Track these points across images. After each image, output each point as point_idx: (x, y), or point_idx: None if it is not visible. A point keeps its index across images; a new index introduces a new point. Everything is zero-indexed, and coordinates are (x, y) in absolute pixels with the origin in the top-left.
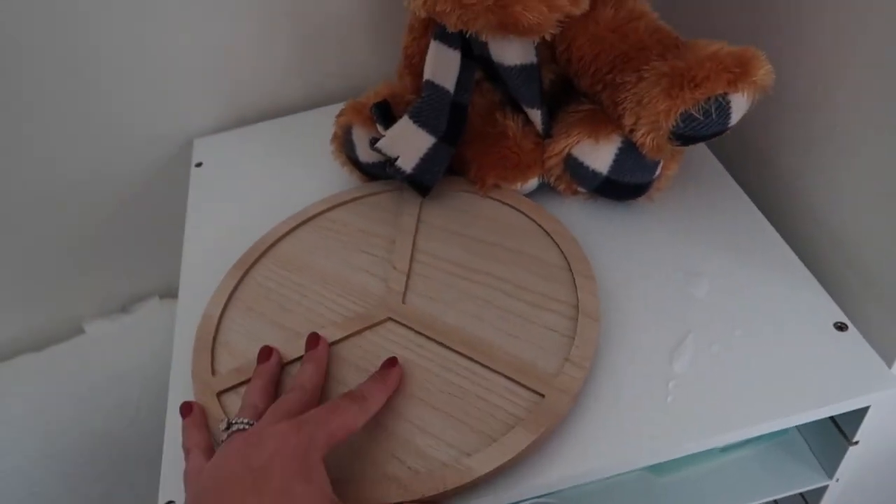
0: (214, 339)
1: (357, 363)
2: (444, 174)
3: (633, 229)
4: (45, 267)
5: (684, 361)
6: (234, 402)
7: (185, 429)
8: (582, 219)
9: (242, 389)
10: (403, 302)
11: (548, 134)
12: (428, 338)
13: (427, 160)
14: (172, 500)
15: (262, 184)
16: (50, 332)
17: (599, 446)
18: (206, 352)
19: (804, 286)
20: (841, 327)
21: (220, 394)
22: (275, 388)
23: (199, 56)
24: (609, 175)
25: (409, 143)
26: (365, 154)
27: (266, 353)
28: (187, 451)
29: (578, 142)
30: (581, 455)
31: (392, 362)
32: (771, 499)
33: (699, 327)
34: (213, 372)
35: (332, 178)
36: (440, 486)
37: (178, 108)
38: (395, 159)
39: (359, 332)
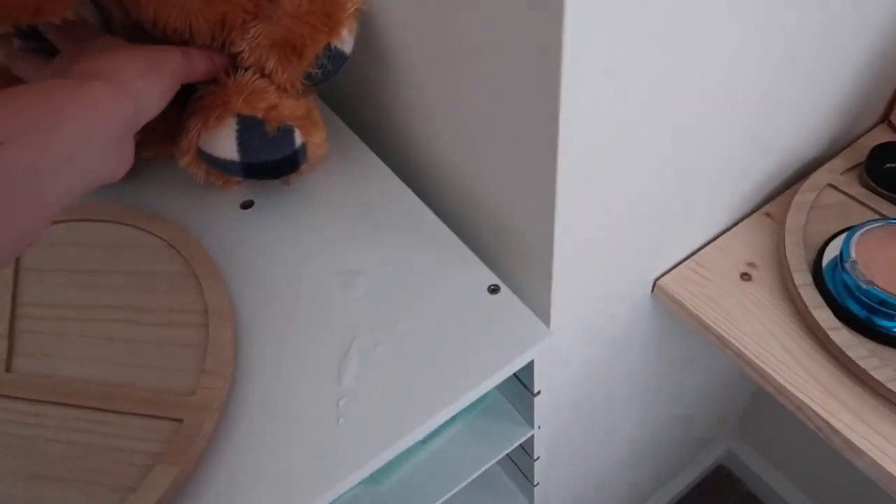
0: None
1: None
2: None
3: (282, 236)
4: None
5: (352, 374)
6: None
7: None
8: (223, 229)
9: None
10: (8, 370)
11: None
12: (43, 402)
13: None
14: None
15: None
16: None
17: (276, 483)
18: None
19: (457, 258)
20: (494, 290)
21: None
22: None
23: None
24: (244, 159)
25: None
26: None
27: None
28: None
29: (199, 135)
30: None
31: None
32: (491, 462)
33: (362, 331)
34: None
35: None
36: None
37: None
38: None
39: None
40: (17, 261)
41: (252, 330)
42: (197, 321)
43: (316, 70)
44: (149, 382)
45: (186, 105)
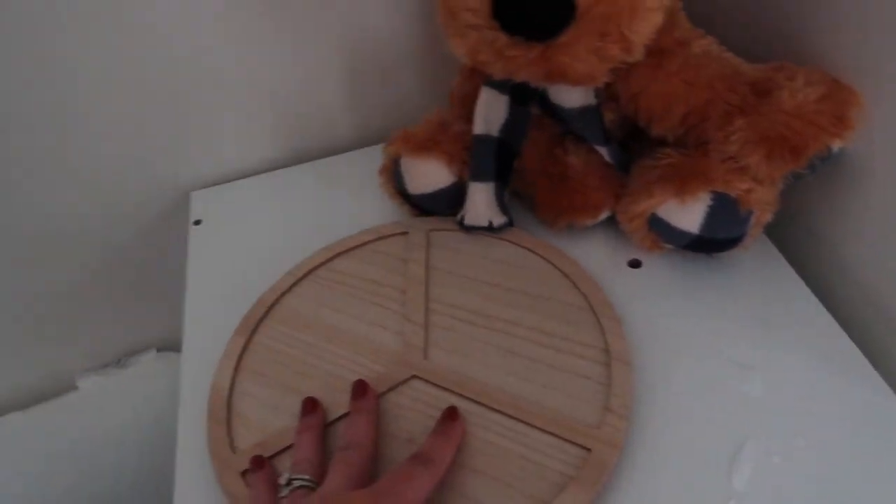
0: (228, 410)
1: (386, 429)
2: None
3: (671, 303)
4: (35, 319)
5: (744, 476)
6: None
7: (253, 484)
8: (611, 282)
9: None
10: (425, 357)
11: (622, 168)
12: (459, 395)
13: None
14: None
15: (270, 236)
16: (39, 389)
17: None
18: (221, 426)
19: (866, 385)
20: None
21: (243, 473)
22: (323, 441)
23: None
24: (701, 234)
25: (480, 200)
26: (415, 185)
27: (310, 404)
28: None
29: (662, 202)
30: None
31: (452, 413)
32: None
33: (757, 434)
34: (233, 449)
35: (338, 226)
36: None
37: (178, 161)
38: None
39: (382, 395)
40: (427, 259)
41: (644, 386)
42: (597, 358)
43: (805, 170)
44: (552, 404)
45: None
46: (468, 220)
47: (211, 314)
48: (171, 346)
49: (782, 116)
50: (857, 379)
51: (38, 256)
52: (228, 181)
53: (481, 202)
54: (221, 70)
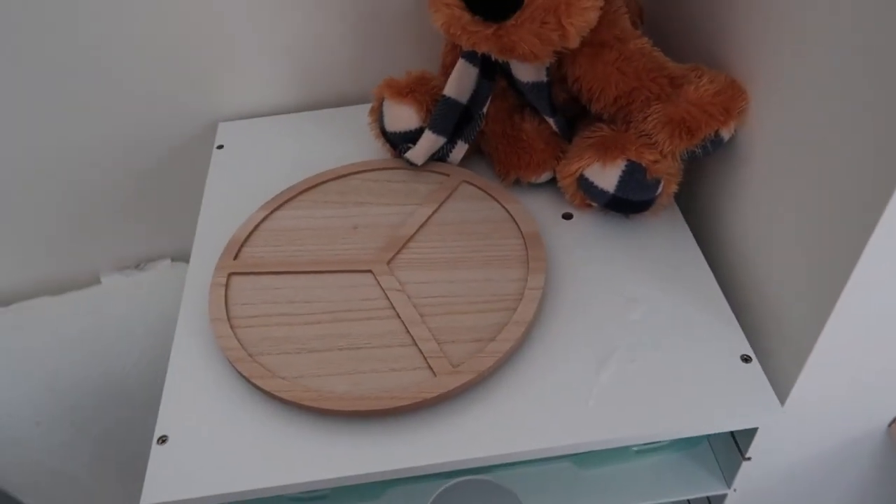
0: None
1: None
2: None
3: (590, 252)
4: (72, 219)
5: (609, 374)
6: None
7: None
8: (547, 231)
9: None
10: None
11: (567, 137)
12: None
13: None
14: (166, 435)
15: (281, 168)
16: (68, 280)
17: (539, 418)
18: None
19: (722, 320)
20: (746, 359)
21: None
22: None
23: (241, 40)
24: (615, 193)
25: (425, 146)
26: (390, 124)
27: None
28: None
29: (589, 164)
30: (510, 426)
31: None
32: (678, 499)
33: (627, 346)
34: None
35: (330, 164)
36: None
37: (207, 91)
38: (406, 149)
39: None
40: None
41: (553, 307)
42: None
43: (698, 150)
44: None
45: (571, 136)
46: (407, 154)
47: (220, 223)
48: (184, 257)
49: (685, 104)
50: (716, 321)
51: (81, 163)
52: (250, 117)
53: (424, 148)
54: (242, 30)
